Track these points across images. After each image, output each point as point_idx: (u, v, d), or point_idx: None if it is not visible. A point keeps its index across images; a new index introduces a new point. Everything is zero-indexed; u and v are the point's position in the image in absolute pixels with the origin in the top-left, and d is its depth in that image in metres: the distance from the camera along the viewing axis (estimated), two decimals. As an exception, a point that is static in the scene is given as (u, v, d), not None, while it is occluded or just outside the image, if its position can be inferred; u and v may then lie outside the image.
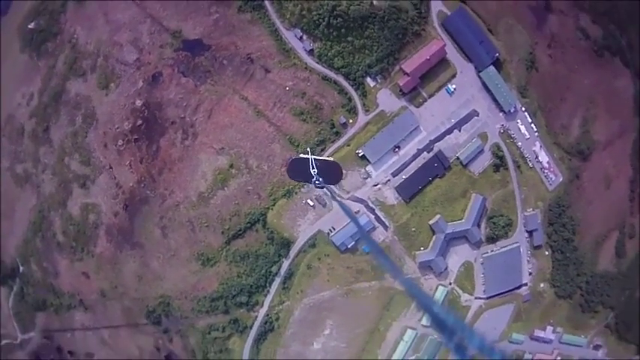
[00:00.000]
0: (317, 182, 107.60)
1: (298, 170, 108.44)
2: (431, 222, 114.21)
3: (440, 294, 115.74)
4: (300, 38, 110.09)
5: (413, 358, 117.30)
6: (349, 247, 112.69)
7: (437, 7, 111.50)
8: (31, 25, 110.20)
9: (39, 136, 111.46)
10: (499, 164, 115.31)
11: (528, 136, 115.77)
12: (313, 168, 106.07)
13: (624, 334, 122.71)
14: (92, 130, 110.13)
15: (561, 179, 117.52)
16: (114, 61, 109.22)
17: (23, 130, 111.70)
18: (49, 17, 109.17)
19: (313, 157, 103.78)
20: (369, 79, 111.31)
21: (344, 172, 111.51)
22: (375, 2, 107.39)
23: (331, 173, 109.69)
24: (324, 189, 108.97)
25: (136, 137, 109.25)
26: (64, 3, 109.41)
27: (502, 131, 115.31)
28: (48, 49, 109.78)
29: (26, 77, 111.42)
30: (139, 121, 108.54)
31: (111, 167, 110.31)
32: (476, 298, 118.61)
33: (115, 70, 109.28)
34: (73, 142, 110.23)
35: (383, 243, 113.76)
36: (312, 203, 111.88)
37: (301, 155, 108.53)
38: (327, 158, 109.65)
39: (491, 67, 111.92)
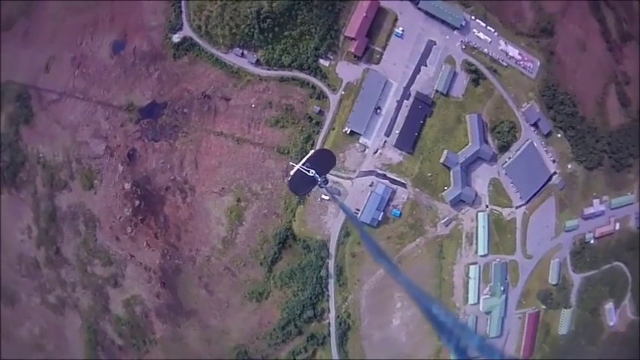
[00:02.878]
0: (320, 182, 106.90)
1: (300, 184, 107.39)
2: (441, 160, 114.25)
3: (482, 220, 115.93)
4: (242, 55, 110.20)
5: (487, 289, 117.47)
6: (380, 219, 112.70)
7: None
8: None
9: (54, 261, 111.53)
10: (476, 78, 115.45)
11: (490, 40, 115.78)
12: (308, 171, 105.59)
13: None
14: (98, 232, 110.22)
15: (539, 63, 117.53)
16: (87, 160, 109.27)
17: (37, 262, 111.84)
18: (9, 150, 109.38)
19: (300, 164, 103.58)
20: (321, 61, 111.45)
21: (342, 153, 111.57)
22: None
23: (323, 162, 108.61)
24: (328, 187, 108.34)
25: (141, 217, 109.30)
26: (15, 130, 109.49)
27: (464, 47, 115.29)
28: (22, 178, 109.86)
29: (16, 214, 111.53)
30: (137, 202, 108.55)
31: (132, 256, 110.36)
32: (516, 207, 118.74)
33: (92, 167, 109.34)
34: (87, 250, 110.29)
35: (408, 200, 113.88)
36: (327, 197, 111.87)
37: (291, 172, 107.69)
38: (309, 154, 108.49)
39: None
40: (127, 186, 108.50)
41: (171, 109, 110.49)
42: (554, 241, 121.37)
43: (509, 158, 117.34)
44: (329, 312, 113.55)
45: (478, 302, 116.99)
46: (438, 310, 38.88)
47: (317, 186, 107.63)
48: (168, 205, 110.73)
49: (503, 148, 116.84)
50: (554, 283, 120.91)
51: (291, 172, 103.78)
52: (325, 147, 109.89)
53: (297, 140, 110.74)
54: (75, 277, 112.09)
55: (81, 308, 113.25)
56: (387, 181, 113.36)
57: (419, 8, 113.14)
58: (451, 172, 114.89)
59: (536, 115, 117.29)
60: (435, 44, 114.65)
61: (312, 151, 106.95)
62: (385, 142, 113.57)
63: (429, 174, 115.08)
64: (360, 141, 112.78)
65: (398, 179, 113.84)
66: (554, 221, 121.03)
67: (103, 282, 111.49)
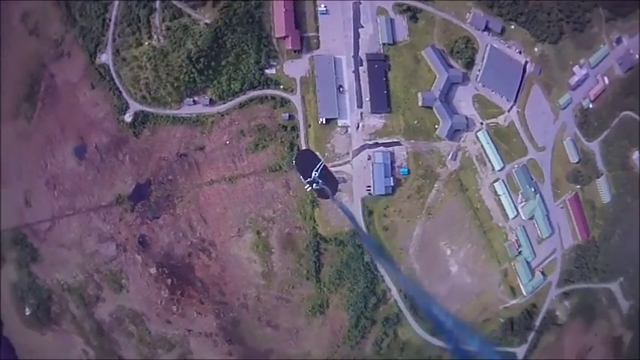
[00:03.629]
0: (312, 183, 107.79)
1: (304, 162, 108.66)
2: (420, 103, 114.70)
3: (484, 137, 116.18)
4: (194, 102, 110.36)
5: (520, 197, 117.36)
6: (393, 185, 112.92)
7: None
8: (28, 312, 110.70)
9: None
10: (413, 14, 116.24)
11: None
12: (317, 170, 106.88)
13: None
14: (149, 324, 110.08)
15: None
16: (105, 266, 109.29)
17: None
18: (31, 293, 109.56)
19: (324, 163, 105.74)
20: (267, 71, 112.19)
21: (328, 144, 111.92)
22: (207, 21, 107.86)
23: (330, 184, 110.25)
24: (321, 189, 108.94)
25: (180, 292, 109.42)
26: (27, 272, 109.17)
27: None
28: (56, 311, 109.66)
29: (68, 346, 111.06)
30: (169, 280, 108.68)
31: (189, 330, 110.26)
32: (508, 110, 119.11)
33: (113, 270, 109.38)
34: (147, 345, 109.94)
35: (409, 155, 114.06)
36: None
37: (316, 152, 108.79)
38: (332, 171, 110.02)
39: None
40: (153, 271, 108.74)
41: (156, 183, 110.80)
42: (557, 123, 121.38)
43: (479, 70, 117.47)
44: (390, 291, 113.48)
45: (518, 213, 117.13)
46: (438, 310, 39.07)
47: (305, 180, 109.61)
48: (198, 268, 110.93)
49: (469, 63, 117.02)
50: (576, 160, 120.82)
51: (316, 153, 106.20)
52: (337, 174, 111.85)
53: (282, 153, 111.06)
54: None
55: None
56: (381, 147, 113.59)
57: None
58: (434, 110, 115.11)
59: (483, 19, 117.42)
60: (361, 3, 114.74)
61: (336, 172, 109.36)
62: (361, 113, 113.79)
63: (416, 121, 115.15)
64: (339, 124, 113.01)
65: (390, 141, 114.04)
66: (548, 105, 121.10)
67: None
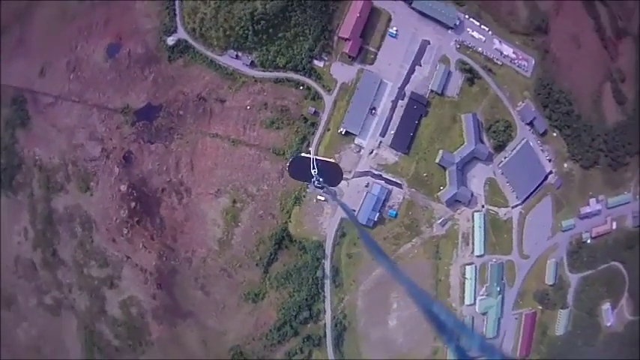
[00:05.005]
0: (317, 182, 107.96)
1: (299, 169, 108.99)
2: (437, 160, 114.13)
3: (478, 220, 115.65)
4: (237, 57, 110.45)
5: (483, 290, 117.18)
6: (376, 220, 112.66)
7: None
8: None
9: (50, 262, 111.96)
10: (471, 77, 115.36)
11: (484, 38, 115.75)
12: (314, 168, 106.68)
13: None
14: (95, 233, 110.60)
15: (534, 61, 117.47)
16: (83, 163, 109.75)
17: (34, 264, 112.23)
18: (5, 153, 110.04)
19: (315, 157, 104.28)
20: (316, 62, 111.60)
21: (337, 154, 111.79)
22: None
23: (331, 174, 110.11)
24: (324, 189, 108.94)
25: (137, 219, 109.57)
26: (12, 133, 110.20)
27: (458, 46, 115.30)
28: (19, 181, 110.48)
29: (14, 216, 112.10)
30: (133, 204, 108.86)
31: (128, 257, 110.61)
32: (512, 207, 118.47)
33: (88, 169, 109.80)
34: (84, 252, 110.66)
35: (404, 200, 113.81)
36: (322, 198, 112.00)
37: (302, 154, 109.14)
38: (328, 159, 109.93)
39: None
40: (123, 188, 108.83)
41: (166, 111, 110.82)
42: (550, 240, 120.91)
43: (505, 157, 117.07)
44: (325, 313, 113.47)
45: (474, 303, 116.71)
46: (438, 310, 38.56)
47: (311, 184, 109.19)
48: (164, 206, 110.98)
49: (499, 147, 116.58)
50: (550, 283, 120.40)
51: (302, 154, 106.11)
52: (330, 158, 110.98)
53: (292, 141, 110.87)
54: (71, 279, 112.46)
55: (77, 310, 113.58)
56: (383, 181, 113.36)
57: (412, 8, 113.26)
58: (447, 172, 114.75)
59: (532, 113, 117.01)
60: (429, 44, 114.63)
61: (332, 159, 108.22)
62: (380, 142, 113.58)
63: (425, 174, 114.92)
64: (356, 141, 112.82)
65: (393, 179, 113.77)
66: (551, 221, 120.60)
67: (100, 283, 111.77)
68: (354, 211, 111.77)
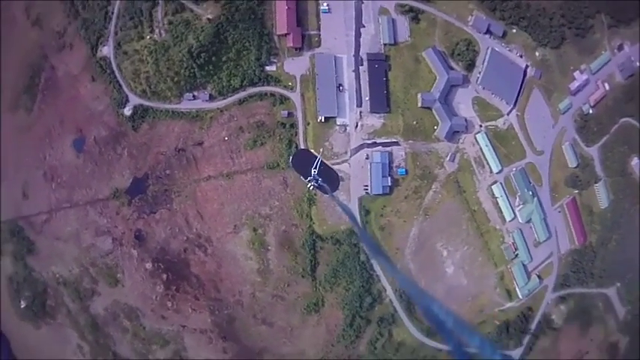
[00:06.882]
0: (312, 181, 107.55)
1: (301, 162, 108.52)
2: (419, 104, 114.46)
3: (482, 140, 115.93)
4: (194, 97, 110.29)
5: (517, 200, 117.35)
6: (390, 185, 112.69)
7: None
8: (23, 305, 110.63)
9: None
10: (415, 15, 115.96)
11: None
12: (315, 168, 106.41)
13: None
14: (143, 319, 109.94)
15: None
16: (101, 260, 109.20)
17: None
18: (27, 285, 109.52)
19: (321, 159, 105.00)
20: (268, 68, 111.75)
21: (327, 142, 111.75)
22: (209, 16, 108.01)
23: (330, 180, 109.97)
24: (321, 188, 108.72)
25: (175, 288, 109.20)
26: (24, 264, 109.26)
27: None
28: (51, 305, 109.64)
29: (62, 339, 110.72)
30: (164, 276, 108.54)
31: (184, 326, 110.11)
32: (507, 114, 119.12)
33: (109, 264, 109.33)
34: (141, 341, 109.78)
35: (407, 155, 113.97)
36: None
37: (311, 150, 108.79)
38: (331, 166, 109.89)
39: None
40: (149, 265, 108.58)
41: (153, 177, 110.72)
42: (556, 127, 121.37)
43: (480, 72, 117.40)
44: (385, 290, 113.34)
45: (515, 215, 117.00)
46: (438, 309, 38.21)
47: (306, 180, 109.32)
48: (194, 264, 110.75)
49: (470, 66, 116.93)
50: (574, 165, 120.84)
51: (311, 150, 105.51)
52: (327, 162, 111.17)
53: (281, 150, 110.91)
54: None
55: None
56: (380, 147, 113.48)
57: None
58: (434, 111, 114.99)
59: (485, 22, 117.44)
60: (363, 2, 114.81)
61: (335, 167, 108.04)
62: (361, 112, 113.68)
63: (415, 122, 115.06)
64: (338, 123, 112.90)
65: (388, 141, 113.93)
66: (548, 110, 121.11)
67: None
68: (367, 187, 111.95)
